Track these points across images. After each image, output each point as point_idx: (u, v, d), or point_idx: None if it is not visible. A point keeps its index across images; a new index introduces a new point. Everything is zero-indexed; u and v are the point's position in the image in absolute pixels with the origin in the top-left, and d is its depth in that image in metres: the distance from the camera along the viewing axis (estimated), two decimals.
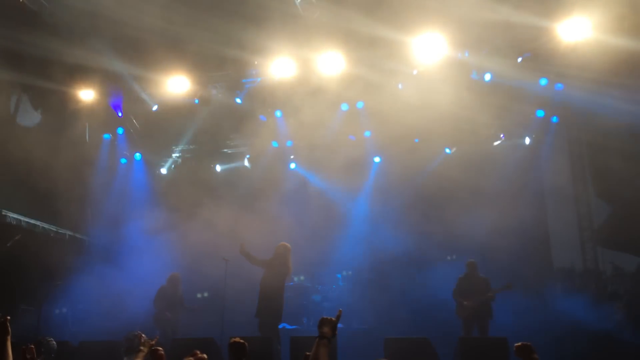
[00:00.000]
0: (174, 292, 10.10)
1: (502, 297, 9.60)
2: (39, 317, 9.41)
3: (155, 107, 12.19)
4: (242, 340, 4.59)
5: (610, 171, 10.77)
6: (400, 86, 11.13)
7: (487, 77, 10.57)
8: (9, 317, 3.78)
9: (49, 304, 9.76)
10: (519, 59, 10.03)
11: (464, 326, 9.53)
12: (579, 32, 9.20)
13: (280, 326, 9.73)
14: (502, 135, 12.20)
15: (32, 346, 4.42)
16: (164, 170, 14.33)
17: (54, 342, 8.86)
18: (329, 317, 3.44)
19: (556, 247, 11.81)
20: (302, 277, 12.05)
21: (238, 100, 11.90)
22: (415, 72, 10.62)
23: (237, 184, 13.80)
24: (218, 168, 14.23)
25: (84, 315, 11.15)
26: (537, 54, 10.02)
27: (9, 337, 3.93)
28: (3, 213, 11.16)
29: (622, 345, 8.22)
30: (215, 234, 11.42)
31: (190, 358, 3.59)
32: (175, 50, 10.44)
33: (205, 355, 3.88)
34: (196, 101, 11.80)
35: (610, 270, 11.17)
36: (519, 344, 3.64)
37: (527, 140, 12.10)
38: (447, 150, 12.72)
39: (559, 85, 10.77)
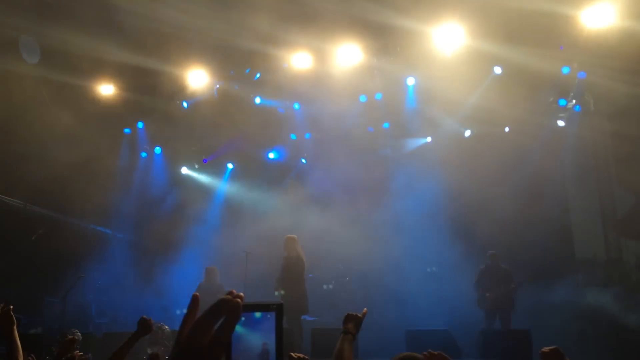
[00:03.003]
0: (210, 285, 10.24)
1: (524, 289, 9.53)
2: (63, 308, 9.58)
3: (177, 102, 12.24)
4: None
5: (633, 161, 10.58)
6: (414, 80, 11.08)
7: (505, 67, 10.49)
8: (12, 306, 3.77)
9: (73, 296, 9.90)
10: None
11: (485, 318, 9.48)
12: (602, 19, 9.02)
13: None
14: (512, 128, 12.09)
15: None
16: (184, 170, 14.39)
17: (79, 333, 9.03)
18: (354, 313, 3.41)
19: (579, 238, 11.64)
20: (320, 270, 12.05)
21: (257, 96, 11.92)
22: (434, 61, 10.51)
23: (256, 177, 13.84)
24: (230, 165, 14.26)
25: (107, 307, 11.32)
26: (560, 42, 9.86)
27: (15, 327, 3.81)
28: (28, 207, 11.36)
29: None
30: (237, 229, 11.51)
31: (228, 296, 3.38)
32: (194, 43, 10.46)
33: (242, 294, 3.57)
34: (215, 94, 11.86)
35: (635, 260, 10.99)
36: (547, 349, 3.45)
37: (561, 123, 11.83)
38: (467, 133, 12.56)
39: (582, 73, 10.60)
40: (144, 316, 4.21)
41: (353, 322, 3.34)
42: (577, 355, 3.62)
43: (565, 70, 10.57)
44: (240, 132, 13.13)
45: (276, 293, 9.23)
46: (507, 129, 12.11)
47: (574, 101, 11.38)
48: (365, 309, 3.53)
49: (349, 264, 11.99)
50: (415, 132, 12.60)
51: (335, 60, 10.62)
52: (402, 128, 12.68)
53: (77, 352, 3.92)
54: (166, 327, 8.74)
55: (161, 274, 12.17)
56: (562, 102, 11.41)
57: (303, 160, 13.88)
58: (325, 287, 11.83)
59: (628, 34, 8.77)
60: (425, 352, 2.69)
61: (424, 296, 10.79)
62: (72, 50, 10.10)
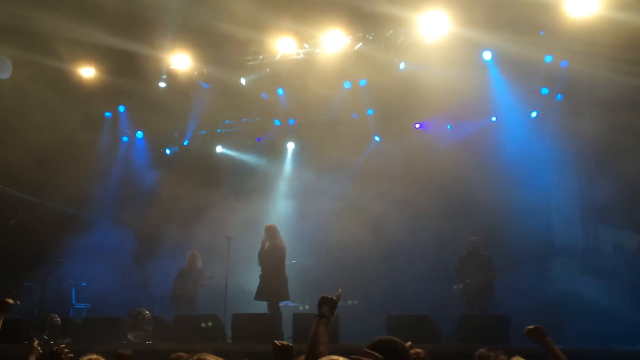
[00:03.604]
0: (192, 270, 10.27)
1: (503, 275, 9.65)
2: (42, 294, 9.48)
3: (160, 85, 12.08)
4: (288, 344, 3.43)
5: (613, 149, 10.72)
6: (402, 65, 11.05)
7: (490, 55, 10.52)
8: (18, 303, 4.12)
9: (52, 281, 9.80)
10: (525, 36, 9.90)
11: (465, 304, 9.60)
12: (586, 8, 9.07)
13: (282, 303, 9.87)
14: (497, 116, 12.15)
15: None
16: (168, 151, 14.30)
17: (58, 319, 8.97)
18: (329, 296, 3.43)
19: (558, 225, 11.80)
20: (303, 256, 12.08)
21: (242, 80, 11.80)
22: (418, 48, 10.50)
23: (239, 163, 13.78)
24: (219, 148, 14.17)
25: (87, 292, 11.23)
26: (542, 31, 9.90)
27: (3, 316, 4.31)
28: (6, 191, 11.18)
29: (622, 321, 8.27)
30: (218, 212, 11.46)
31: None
32: (177, 27, 10.32)
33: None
34: (204, 84, 11.74)
35: (611, 249, 11.17)
36: (531, 327, 3.62)
37: (531, 117, 12.00)
38: (448, 127, 12.63)
39: (564, 62, 10.67)
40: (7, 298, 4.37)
41: (328, 305, 3.35)
42: (554, 341, 3.69)
43: (548, 58, 10.62)
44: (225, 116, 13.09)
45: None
46: (494, 118, 12.17)
47: (556, 90, 11.45)
48: (340, 290, 3.55)
49: (332, 251, 12.03)
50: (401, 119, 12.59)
51: (320, 46, 10.56)
52: (387, 115, 12.65)
53: (62, 347, 3.86)
54: (147, 312, 8.71)
55: (145, 258, 12.11)
56: (545, 90, 11.48)
57: (292, 145, 13.81)
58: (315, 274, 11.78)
59: (611, 23, 8.83)
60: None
61: (405, 282, 10.88)
62: (51, 32, 9.90)
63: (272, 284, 9.32)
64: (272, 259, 9.41)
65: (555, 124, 11.51)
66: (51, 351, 3.79)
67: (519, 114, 12.03)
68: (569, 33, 9.50)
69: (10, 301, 4.38)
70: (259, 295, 9.42)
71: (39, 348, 4.55)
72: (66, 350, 3.78)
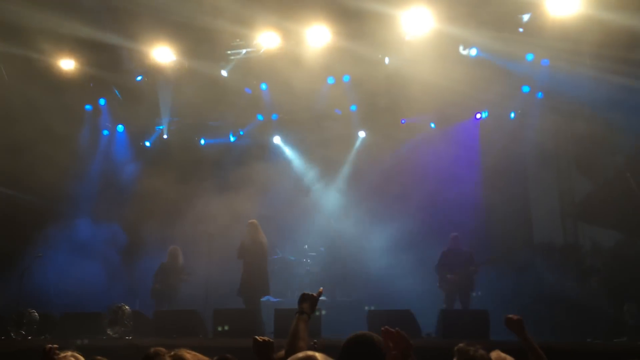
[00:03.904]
0: (173, 265, 10.22)
1: (483, 271, 9.76)
2: (20, 288, 9.35)
3: (139, 78, 11.96)
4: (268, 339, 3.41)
5: (593, 147, 10.86)
6: (387, 60, 11.06)
7: (473, 52, 10.56)
8: None
9: (30, 276, 9.66)
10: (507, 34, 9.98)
11: (446, 299, 9.68)
12: (567, 6, 9.15)
13: (264, 299, 9.88)
14: (480, 113, 12.23)
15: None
16: (147, 143, 14.16)
17: (36, 314, 8.86)
18: (310, 293, 3.46)
19: (537, 222, 11.94)
20: (285, 251, 12.07)
21: (223, 73, 11.71)
22: (401, 45, 10.52)
23: (221, 158, 13.68)
24: (202, 142, 14.06)
25: (66, 287, 11.09)
26: (524, 29, 9.97)
27: None
28: None
29: (599, 316, 8.41)
30: (201, 208, 11.40)
31: None
32: (159, 20, 10.20)
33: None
34: (181, 72, 11.61)
35: (589, 245, 11.34)
36: (513, 316, 3.70)
37: (512, 115, 12.11)
38: (432, 125, 12.72)
39: (545, 61, 10.77)
40: None
41: (309, 302, 3.38)
42: (532, 336, 3.75)
43: (530, 57, 10.71)
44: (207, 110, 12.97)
45: None
46: (478, 115, 12.25)
47: (536, 88, 11.55)
48: (321, 288, 3.60)
49: (315, 246, 12.03)
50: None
51: (304, 41, 10.51)
52: (371, 110, 12.67)
53: (54, 346, 3.79)
54: (127, 307, 8.65)
55: (126, 253, 11.99)
56: (526, 88, 11.59)
57: (277, 140, 13.73)
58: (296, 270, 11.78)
59: (592, 21, 8.92)
60: (382, 328, 2.74)
61: (387, 277, 10.93)
62: (31, 23, 9.73)
63: (254, 280, 9.40)
64: (253, 255, 9.49)
65: (536, 121, 11.62)
66: (43, 350, 3.73)
67: (500, 110, 12.15)
68: (550, 32, 9.58)
69: None
70: (241, 291, 9.43)
71: None
72: (55, 346, 3.73)
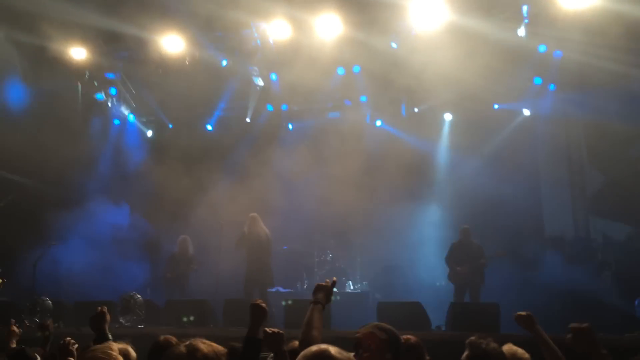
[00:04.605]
0: (183, 255, 10.29)
1: (493, 264, 9.72)
2: (33, 276, 9.45)
3: (149, 67, 11.97)
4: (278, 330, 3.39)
5: (605, 140, 10.76)
6: (397, 49, 10.98)
7: (485, 42, 10.45)
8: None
9: (43, 264, 9.76)
10: (520, 25, 9.86)
11: (456, 291, 9.67)
12: None
13: (274, 289, 9.93)
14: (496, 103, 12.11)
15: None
16: (150, 133, 14.22)
17: (50, 302, 8.96)
18: (324, 283, 3.46)
19: (548, 215, 11.87)
20: (294, 241, 12.09)
21: (225, 62, 11.68)
22: (412, 33, 10.43)
23: (230, 148, 13.68)
24: (212, 132, 14.05)
25: (78, 275, 11.19)
26: (537, 20, 9.86)
27: None
28: None
29: (610, 310, 8.36)
30: (211, 198, 11.44)
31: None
32: (170, 9, 10.20)
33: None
34: (189, 61, 11.61)
35: (601, 239, 11.27)
36: (523, 313, 3.66)
37: (527, 112, 11.97)
38: (447, 116, 12.58)
39: (558, 52, 10.65)
40: None
41: (323, 292, 3.38)
42: (543, 329, 3.72)
43: (542, 48, 10.60)
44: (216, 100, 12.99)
45: None
46: (490, 107, 12.14)
47: (549, 80, 11.44)
48: (335, 277, 3.62)
49: (326, 237, 12.03)
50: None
51: (314, 31, 10.46)
52: (381, 101, 12.61)
53: (70, 340, 3.84)
54: (138, 296, 8.72)
55: (138, 242, 12.06)
56: (538, 80, 11.47)
57: (287, 131, 13.70)
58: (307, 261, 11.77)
59: (605, 12, 8.81)
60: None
61: (397, 269, 10.94)
62: (42, 11, 9.76)
63: (261, 272, 9.60)
64: (254, 248, 9.68)
65: (548, 113, 11.53)
66: (60, 345, 3.78)
67: (512, 102, 12.04)
68: (563, 22, 9.47)
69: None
70: (248, 283, 9.53)
71: (18, 330, 4.52)
72: (72, 341, 3.77)
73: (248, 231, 9.80)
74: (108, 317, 3.90)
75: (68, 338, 3.79)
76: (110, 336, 3.58)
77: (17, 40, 10.50)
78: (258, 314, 3.49)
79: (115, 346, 3.16)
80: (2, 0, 9.54)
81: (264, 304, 3.57)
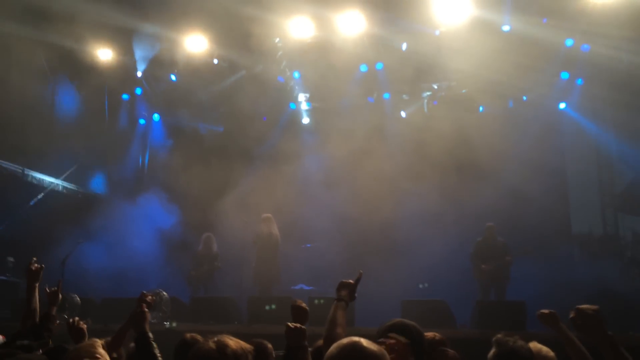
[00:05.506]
0: (207, 252, 10.40)
1: (519, 261, 9.58)
2: (62, 273, 9.62)
3: (174, 67, 12.09)
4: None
5: (634, 135, 10.55)
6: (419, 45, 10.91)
7: (510, 37, 10.31)
8: (43, 265, 4.43)
9: (72, 261, 9.94)
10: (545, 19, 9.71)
11: (481, 289, 9.57)
12: None
13: (297, 287, 9.99)
14: (524, 98, 11.93)
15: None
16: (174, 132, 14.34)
17: (78, 298, 9.12)
18: (347, 280, 3.44)
19: (576, 212, 11.68)
20: (316, 239, 12.08)
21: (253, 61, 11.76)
22: (437, 32, 10.36)
23: (254, 147, 13.71)
24: (235, 131, 14.08)
25: (105, 273, 11.37)
26: (563, 13, 9.70)
27: (37, 285, 4.46)
28: (25, 172, 11.33)
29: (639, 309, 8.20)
30: (235, 195, 11.50)
31: None
32: (192, 8, 10.28)
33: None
34: (215, 61, 11.73)
35: (631, 236, 11.06)
36: (546, 311, 3.60)
37: (562, 105, 11.76)
38: (480, 109, 12.42)
39: (585, 46, 10.45)
40: None
41: (347, 289, 3.37)
42: (570, 328, 3.66)
43: (569, 42, 10.42)
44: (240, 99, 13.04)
45: None
46: (511, 104, 11.97)
47: (576, 74, 11.24)
48: (361, 271, 3.55)
49: (349, 235, 12.00)
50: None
51: (337, 28, 10.44)
52: (404, 97, 12.53)
53: (77, 319, 3.94)
54: (164, 293, 8.81)
55: (164, 241, 12.19)
56: (565, 75, 11.29)
57: (309, 129, 13.70)
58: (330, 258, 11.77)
59: (634, 5, 8.62)
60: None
61: (422, 267, 10.84)
62: (69, 11, 9.91)
63: (269, 271, 9.90)
64: (266, 248, 10.00)
65: (576, 109, 11.33)
66: (69, 326, 3.90)
67: (539, 97, 11.85)
68: (590, 16, 9.30)
69: (37, 266, 4.45)
70: (255, 281, 9.85)
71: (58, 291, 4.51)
72: (77, 319, 3.91)
73: (261, 231, 10.04)
74: (148, 315, 3.63)
75: (76, 318, 3.89)
76: (151, 335, 3.42)
77: (43, 39, 10.64)
78: (300, 315, 3.53)
79: (100, 343, 3.11)
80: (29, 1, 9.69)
81: (304, 304, 3.62)
